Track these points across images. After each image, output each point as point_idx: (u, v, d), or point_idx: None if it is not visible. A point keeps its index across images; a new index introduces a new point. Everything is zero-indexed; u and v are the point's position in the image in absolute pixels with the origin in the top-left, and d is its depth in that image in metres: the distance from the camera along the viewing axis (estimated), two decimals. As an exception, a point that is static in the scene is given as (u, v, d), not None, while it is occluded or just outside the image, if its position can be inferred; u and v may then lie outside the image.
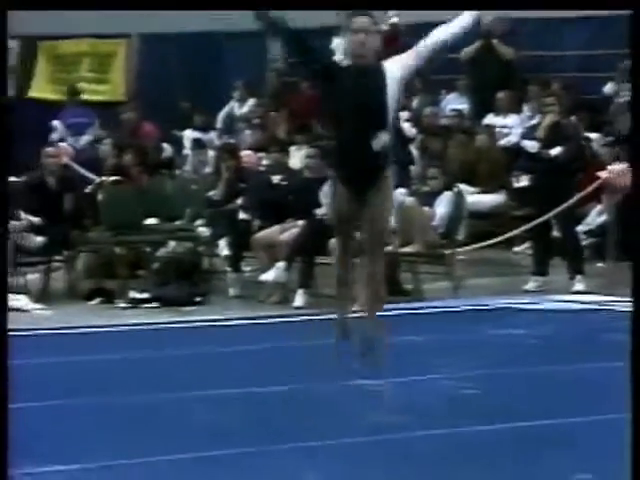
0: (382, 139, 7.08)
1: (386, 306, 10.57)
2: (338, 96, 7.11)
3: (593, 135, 13.39)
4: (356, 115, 7.01)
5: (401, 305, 10.66)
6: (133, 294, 11.13)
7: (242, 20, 16.69)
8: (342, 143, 7.20)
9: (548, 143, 11.82)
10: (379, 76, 7.03)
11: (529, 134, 12.54)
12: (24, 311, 10.78)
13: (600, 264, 12.27)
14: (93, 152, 14.77)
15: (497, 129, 14.76)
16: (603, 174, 12.22)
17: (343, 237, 7.44)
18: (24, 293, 11.13)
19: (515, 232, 12.60)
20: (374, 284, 7.39)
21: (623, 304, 10.77)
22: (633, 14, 6.57)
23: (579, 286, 11.47)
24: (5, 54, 6.55)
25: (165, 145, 15.20)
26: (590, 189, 12.00)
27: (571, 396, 7.45)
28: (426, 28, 17.09)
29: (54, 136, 15.99)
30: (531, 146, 12.10)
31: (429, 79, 15.84)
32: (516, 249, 13.33)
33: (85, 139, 15.80)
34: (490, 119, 14.93)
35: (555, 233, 12.12)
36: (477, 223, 13.10)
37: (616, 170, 12.38)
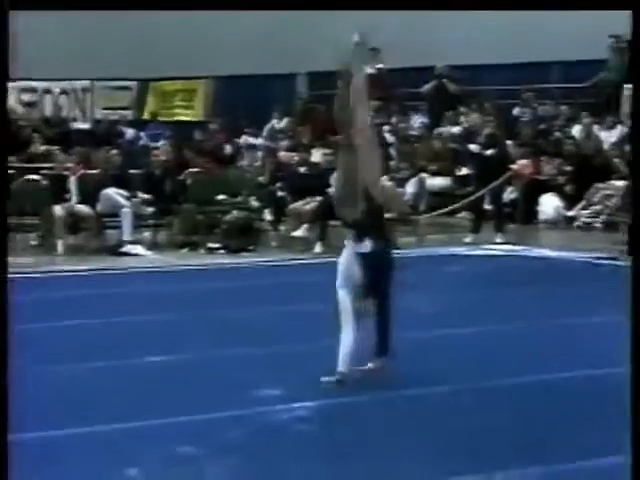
0: None
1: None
2: None
3: (508, 141, 13.31)
4: None
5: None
6: (210, 245, 11.00)
7: (281, 66, 16.74)
8: None
9: (486, 146, 11.85)
10: None
11: (470, 139, 12.61)
12: (141, 255, 10.66)
13: (511, 225, 12.17)
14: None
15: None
16: (514, 167, 12.21)
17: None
18: (140, 244, 10.99)
19: (458, 205, 12.55)
20: None
21: (526, 251, 10.73)
22: (633, 14, 4.92)
23: (500, 239, 11.43)
24: (7, 55, 4.98)
25: (228, 147, 15.13)
26: (506, 176, 11.96)
27: (494, 312, 7.35)
28: (408, 72, 16.93)
29: (141, 142, 15.84)
30: (474, 148, 12.13)
31: (402, 105, 15.76)
32: (459, 215, 13.24)
33: (160, 143, 15.56)
34: (442, 129, 14.85)
35: (485, 205, 12.11)
36: (433, 199, 12.96)
37: (521, 164, 12.43)
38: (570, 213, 12.67)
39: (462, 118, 14.76)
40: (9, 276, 4.45)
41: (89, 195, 11.01)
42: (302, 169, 12.42)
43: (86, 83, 17.72)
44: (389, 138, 14.73)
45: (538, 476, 4.05)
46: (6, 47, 4.76)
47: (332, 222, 11.22)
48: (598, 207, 12.44)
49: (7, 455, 3.47)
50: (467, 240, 11.46)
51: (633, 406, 3.51)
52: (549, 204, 12.85)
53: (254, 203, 11.91)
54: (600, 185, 12.56)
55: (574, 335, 6.52)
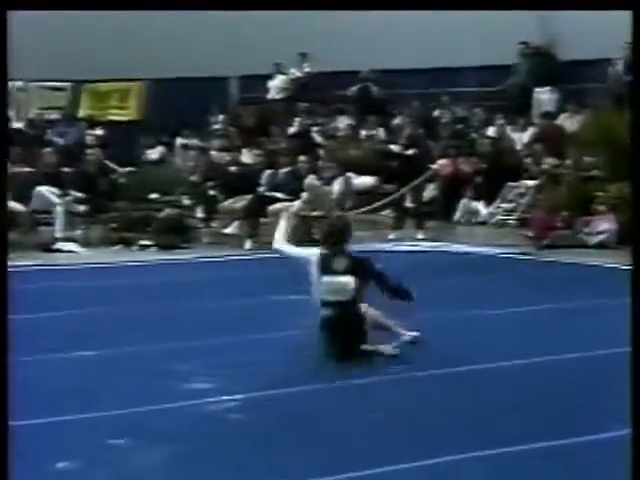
0: None
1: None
2: None
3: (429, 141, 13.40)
4: None
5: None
6: (142, 242, 10.89)
7: (214, 70, 16.58)
8: None
9: (406, 147, 11.90)
10: None
11: (393, 140, 12.64)
12: (74, 252, 10.51)
13: (432, 222, 12.24)
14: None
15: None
16: (434, 166, 12.28)
17: None
18: (73, 241, 10.81)
19: (381, 202, 12.58)
20: None
21: (446, 247, 10.82)
22: (633, 14, 4.74)
23: (421, 236, 11.50)
24: (5, 54, 4.89)
25: (161, 147, 14.85)
26: (426, 175, 12.00)
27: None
28: (334, 76, 16.91)
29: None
30: (395, 148, 12.17)
31: (329, 107, 15.75)
32: (382, 213, 13.26)
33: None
34: (367, 132, 14.84)
35: (407, 203, 12.15)
36: (358, 197, 12.88)
37: (441, 163, 12.50)
38: (487, 211, 12.80)
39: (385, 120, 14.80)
40: None
41: (22, 193, 10.79)
42: (233, 169, 12.34)
43: (20, 83, 17.26)
44: (317, 138, 14.71)
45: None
46: (4, 47, 4.77)
47: (262, 219, 11.26)
48: (512, 205, 12.62)
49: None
50: (391, 237, 11.47)
51: (633, 407, 3.48)
52: (470, 206, 12.92)
53: (186, 201, 11.80)
54: (513, 184, 12.74)
55: (485, 326, 6.57)
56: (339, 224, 5.72)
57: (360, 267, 5.58)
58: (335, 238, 5.59)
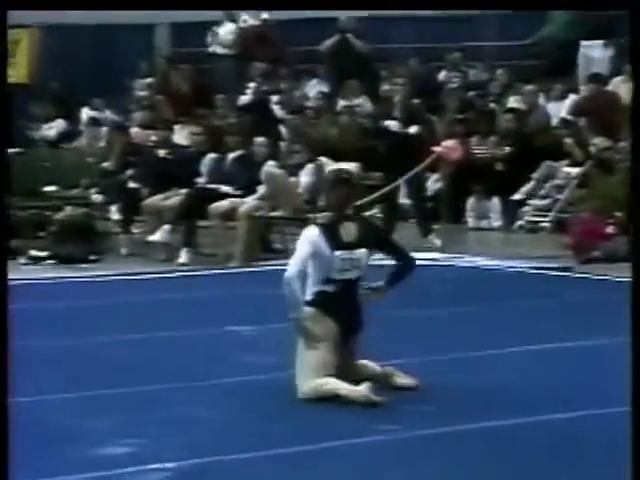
0: None
1: (258, 262, 10.66)
2: None
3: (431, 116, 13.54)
4: None
5: (271, 262, 10.66)
6: (33, 252, 10.92)
7: (136, 14, 16.63)
8: None
9: (404, 122, 12.00)
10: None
11: (382, 113, 12.74)
12: None
13: (435, 225, 12.34)
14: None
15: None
16: (438, 149, 12.36)
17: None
18: None
19: (367, 198, 12.65)
20: None
21: (455, 260, 10.96)
22: (632, 14, 5.76)
23: (437, 242, 11.62)
24: (5, 53, 6.04)
25: (61, 121, 14.89)
26: (428, 161, 12.10)
27: (412, 339, 7.45)
28: (302, 25, 17.02)
29: None
30: (393, 125, 12.27)
31: (295, 67, 15.83)
32: (368, 213, 13.34)
33: None
34: (345, 102, 14.95)
35: (402, 199, 12.27)
36: None
37: (448, 145, 12.57)
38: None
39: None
40: None
41: None
42: (162, 152, 12.39)
43: None
44: (278, 111, 14.78)
45: None
46: (5, 47, 5.81)
47: (202, 222, 11.33)
48: (546, 202, 12.75)
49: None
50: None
51: (634, 419, 4.07)
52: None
53: (96, 196, 11.84)
54: (547, 173, 12.90)
55: (516, 366, 6.63)
56: (346, 185, 5.91)
57: (372, 234, 5.95)
58: (342, 202, 5.86)
